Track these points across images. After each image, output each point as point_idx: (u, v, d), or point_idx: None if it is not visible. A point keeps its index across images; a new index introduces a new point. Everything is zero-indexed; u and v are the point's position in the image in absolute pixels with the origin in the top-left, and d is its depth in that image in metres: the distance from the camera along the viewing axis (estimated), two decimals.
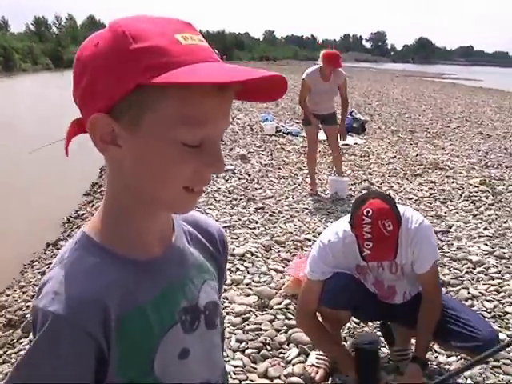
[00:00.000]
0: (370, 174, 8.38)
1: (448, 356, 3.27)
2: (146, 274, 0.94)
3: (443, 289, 4.19)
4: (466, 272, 4.61)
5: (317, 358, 3.10)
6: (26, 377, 0.85)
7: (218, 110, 0.85)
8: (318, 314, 3.05)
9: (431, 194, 7.24)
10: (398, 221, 2.64)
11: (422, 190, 7.44)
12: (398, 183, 7.82)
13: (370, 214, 2.60)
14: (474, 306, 3.94)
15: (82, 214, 7.35)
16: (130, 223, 0.94)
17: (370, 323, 3.58)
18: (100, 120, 0.84)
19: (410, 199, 6.94)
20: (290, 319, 3.63)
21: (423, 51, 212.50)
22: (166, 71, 0.79)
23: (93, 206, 7.57)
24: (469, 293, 4.19)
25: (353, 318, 3.59)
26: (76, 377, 0.85)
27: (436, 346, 3.28)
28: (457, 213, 6.42)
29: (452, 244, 5.30)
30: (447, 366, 3.18)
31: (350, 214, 2.77)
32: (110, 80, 0.82)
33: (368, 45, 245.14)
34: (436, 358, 3.26)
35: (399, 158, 9.59)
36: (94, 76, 0.84)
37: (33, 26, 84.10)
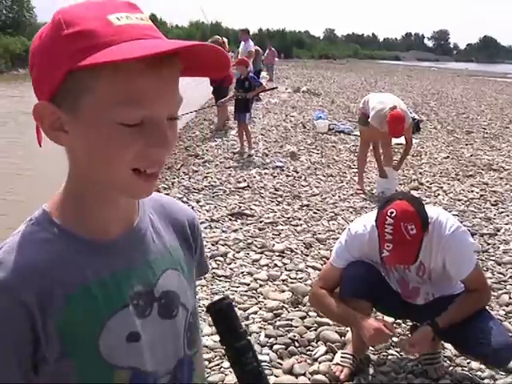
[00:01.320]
0: (420, 173, 8.22)
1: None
2: (99, 254, 0.94)
3: None
4: (511, 276, 4.47)
5: (342, 357, 3.07)
6: None
7: (154, 88, 0.83)
8: None
9: (482, 195, 7.04)
10: (422, 225, 2.58)
11: (472, 191, 7.25)
12: (449, 184, 7.64)
13: (393, 215, 2.56)
14: None
15: None
16: (88, 206, 0.94)
17: (404, 325, 3.52)
18: (44, 108, 0.86)
19: (460, 200, 6.77)
20: (321, 317, 3.59)
21: (487, 50, 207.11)
22: (93, 53, 0.79)
23: None
24: (510, 298, 4.06)
25: (386, 318, 3.55)
26: (3, 340, 0.86)
27: (450, 353, 3.21)
28: (507, 215, 6.22)
29: (498, 247, 5.15)
30: (479, 373, 3.09)
31: (376, 214, 2.73)
32: (49, 68, 0.84)
33: (430, 43, 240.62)
34: (468, 363, 3.17)
35: (452, 159, 9.37)
36: (38, 66, 0.87)
37: None
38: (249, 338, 0.92)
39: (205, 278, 4.26)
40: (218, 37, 12.24)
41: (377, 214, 2.69)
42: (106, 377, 0.95)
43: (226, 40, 12.05)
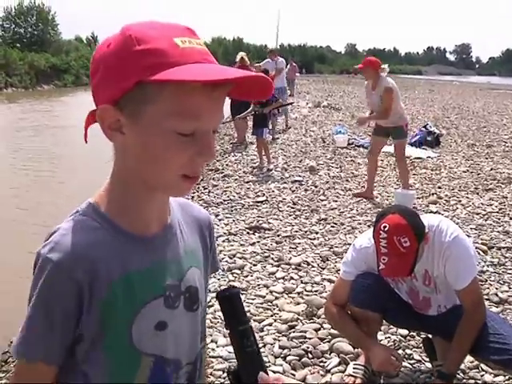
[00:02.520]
0: (439, 187, 8.21)
1: (495, 375, 3.17)
2: (140, 246, 1.06)
3: (500, 306, 4.09)
4: None
5: (354, 368, 3.09)
6: (30, 303, 1.01)
7: (208, 105, 0.96)
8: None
9: (501, 209, 7.00)
10: (417, 237, 2.62)
11: (491, 204, 7.22)
12: (467, 197, 7.61)
13: (386, 229, 2.62)
14: None
15: None
16: (131, 200, 1.06)
17: (418, 337, 3.54)
18: (107, 111, 0.98)
19: (478, 214, 6.74)
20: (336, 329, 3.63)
21: (510, 64, 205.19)
22: (162, 70, 0.91)
23: None
24: None
25: (400, 331, 3.58)
26: (60, 307, 1.00)
27: (483, 364, 3.19)
28: None
29: None
30: None
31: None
32: (116, 76, 0.95)
33: (452, 57, 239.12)
34: (482, 376, 3.18)
35: (472, 173, 9.34)
36: (104, 72, 0.98)
37: None
38: (251, 324, 0.99)
39: None
40: (243, 53, 12.39)
41: (373, 228, 2.74)
42: (133, 362, 1.05)
43: (244, 56, 12.15)
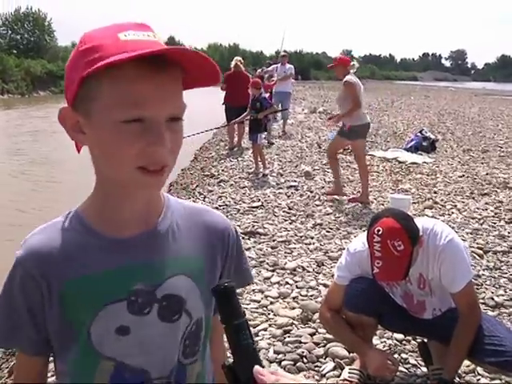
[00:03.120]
0: (435, 192, 8.20)
1: (491, 379, 3.16)
2: (108, 249, 1.05)
3: (496, 310, 4.08)
4: None
5: (349, 373, 3.08)
6: None
7: (152, 91, 0.94)
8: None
9: (496, 213, 7.00)
10: (411, 240, 2.60)
11: (487, 209, 7.22)
12: (463, 202, 7.61)
13: (379, 233, 2.60)
14: None
15: None
16: (106, 202, 1.06)
17: (414, 341, 3.52)
18: (67, 113, 1.00)
19: (473, 218, 6.74)
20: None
21: (505, 69, 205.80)
22: (98, 63, 0.91)
23: None
24: None
25: (395, 335, 3.56)
26: (23, 301, 1.05)
27: (479, 369, 3.18)
28: None
29: None
30: None
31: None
32: (71, 78, 0.99)
33: (447, 63, 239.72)
34: (478, 380, 3.16)
35: (467, 177, 9.34)
36: (66, 78, 1.02)
37: None
38: (246, 318, 0.97)
39: None
40: (238, 58, 12.42)
41: (367, 232, 2.73)
42: (92, 363, 1.03)
43: (239, 62, 12.18)
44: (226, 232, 1.20)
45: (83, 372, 1.04)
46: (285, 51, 16.34)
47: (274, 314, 4.01)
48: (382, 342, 3.54)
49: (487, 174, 9.70)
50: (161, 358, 1.08)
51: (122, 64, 0.90)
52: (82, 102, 0.97)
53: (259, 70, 16.97)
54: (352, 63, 7.40)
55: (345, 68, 7.33)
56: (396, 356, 3.34)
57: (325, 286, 4.50)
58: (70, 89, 0.98)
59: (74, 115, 0.99)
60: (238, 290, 1.06)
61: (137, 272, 1.05)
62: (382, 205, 7.40)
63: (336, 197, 7.69)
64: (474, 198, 7.87)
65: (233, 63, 12.03)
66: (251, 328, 3.63)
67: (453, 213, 7.05)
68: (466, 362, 3.05)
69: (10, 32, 59.31)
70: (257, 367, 0.92)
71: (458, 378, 3.17)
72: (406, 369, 3.28)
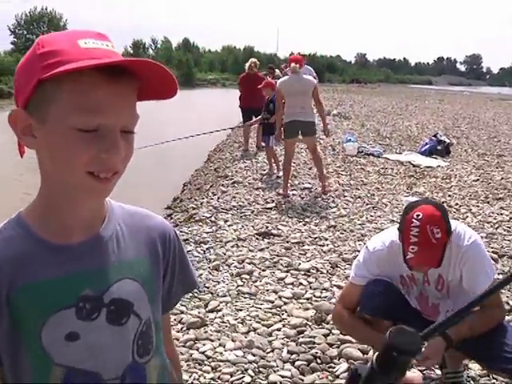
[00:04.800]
0: (449, 196, 8.17)
1: None
2: (55, 256, 1.04)
3: (511, 314, 4.05)
4: None
5: None
6: None
7: (110, 100, 0.95)
8: None
9: (511, 218, 6.97)
10: (447, 230, 2.58)
11: (502, 213, 7.18)
12: (478, 206, 7.58)
13: (419, 218, 2.56)
14: None
15: None
16: (52, 208, 1.06)
17: None
18: (19, 115, 1.00)
19: (488, 222, 6.71)
20: (344, 334, 3.59)
21: None
22: (58, 68, 0.92)
23: (171, 218, 7.76)
24: None
25: None
26: None
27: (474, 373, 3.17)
28: None
29: None
30: None
31: (400, 219, 2.73)
32: (24, 80, 0.98)
33: (462, 68, 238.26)
34: None
35: (482, 182, 9.30)
36: (17, 80, 1.02)
37: (131, 49, 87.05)
38: None
39: (230, 295, 4.31)
40: (254, 60, 12.42)
41: (401, 219, 2.69)
42: (44, 369, 1.03)
43: (253, 63, 12.17)
44: (166, 235, 1.21)
45: (37, 378, 1.03)
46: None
47: (288, 315, 4.01)
48: None
49: (502, 178, 9.64)
50: (112, 360, 1.08)
51: (84, 70, 0.91)
52: (36, 106, 0.97)
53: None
54: (292, 65, 7.78)
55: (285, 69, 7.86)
56: None
57: (339, 287, 4.49)
58: (24, 91, 0.97)
59: (26, 118, 0.98)
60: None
61: (84, 278, 1.05)
62: (396, 208, 7.37)
63: (349, 197, 7.70)
64: (488, 203, 7.83)
65: (247, 65, 12.05)
66: (265, 328, 3.66)
67: (467, 217, 7.01)
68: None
69: (25, 32, 59.84)
70: None
71: (472, 382, 3.15)
72: (420, 371, 3.26)
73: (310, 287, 4.55)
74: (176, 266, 1.23)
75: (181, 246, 1.25)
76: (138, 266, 1.13)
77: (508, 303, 4.23)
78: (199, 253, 5.40)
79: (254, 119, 10.21)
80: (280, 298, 4.31)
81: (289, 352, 3.45)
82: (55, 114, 0.95)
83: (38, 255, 1.03)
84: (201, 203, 7.60)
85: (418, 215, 2.57)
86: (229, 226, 6.39)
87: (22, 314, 1.01)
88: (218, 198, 7.78)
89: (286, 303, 4.21)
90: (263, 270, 4.93)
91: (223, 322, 3.84)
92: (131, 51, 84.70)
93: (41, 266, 1.03)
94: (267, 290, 4.46)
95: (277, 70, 16.14)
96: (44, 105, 0.96)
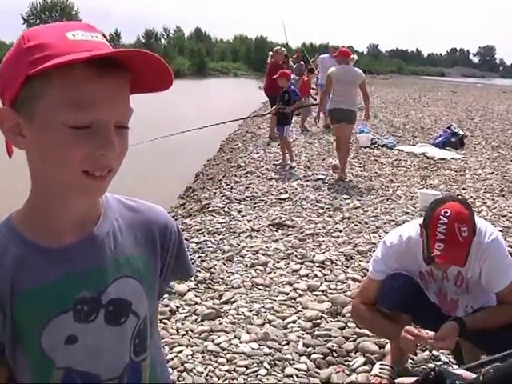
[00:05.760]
0: (463, 189, 8.10)
1: None
2: (48, 260, 1.00)
3: None
4: None
5: (381, 369, 3.03)
6: None
7: (102, 94, 0.91)
8: None
9: None
10: (474, 229, 2.55)
11: None
12: (493, 199, 7.50)
13: (447, 215, 2.52)
14: None
15: (173, 216, 7.54)
16: (42, 210, 1.02)
17: None
18: (5, 113, 0.95)
19: (504, 216, 6.64)
20: (361, 328, 3.56)
21: None
22: (45, 62, 0.87)
23: (184, 208, 7.76)
24: None
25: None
26: None
27: None
28: None
29: None
30: None
31: (424, 215, 2.69)
32: (11, 76, 0.93)
33: (475, 59, 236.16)
34: None
35: (497, 174, 9.21)
36: (2, 76, 0.96)
37: (143, 38, 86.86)
38: None
39: (244, 286, 4.29)
40: (277, 48, 12.51)
41: (425, 215, 2.65)
42: (46, 373, 1.01)
43: (276, 52, 12.25)
44: (165, 228, 1.17)
45: (38, 382, 1.02)
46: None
47: (303, 307, 3.98)
48: None
49: None
50: (110, 361, 1.06)
51: (74, 64, 0.87)
52: (24, 103, 0.92)
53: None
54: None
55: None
56: (427, 353, 3.29)
57: (354, 279, 4.47)
58: (10, 88, 0.93)
59: (14, 116, 0.94)
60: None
61: (80, 280, 1.02)
62: (411, 199, 7.32)
63: (363, 189, 7.68)
64: (503, 196, 7.75)
65: (270, 53, 12.26)
66: (280, 320, 3.64)
67: (482, 210, 6.94)
68: None
69: (38, 21, 59.94)
70: None
71: None
72: (437, 366, 3.23)
73: (325, 279, 4.52)
74: (173, 258, 1.19)
75: (181, 237, 1.21)
76: (135, 261, 1.10)
77: None
78: (213, 243, 5.38)
79: (268, 110, 10.19)
80: (295, 289, 4.28)
81: (304, 345, 3.42)
82: (45, 111, 0.91)
83: (31, 261, 0.99)
84: (214, 193, 7.58)
85: (446, 212, 2.53)
86: (242, 216, 6.37)
87: (21, 322, 0.99)
88: (232, 189, 7.76)
89: (300, 295, 4.18)
90: (277, 262, 4.90)
91: (238, 314, 3.82)
92: (143, 40, 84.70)
93: (34, 272, 0.99)
94: (282, 282, 4.43)
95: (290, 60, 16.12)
96: (32, 102, 0.91)
